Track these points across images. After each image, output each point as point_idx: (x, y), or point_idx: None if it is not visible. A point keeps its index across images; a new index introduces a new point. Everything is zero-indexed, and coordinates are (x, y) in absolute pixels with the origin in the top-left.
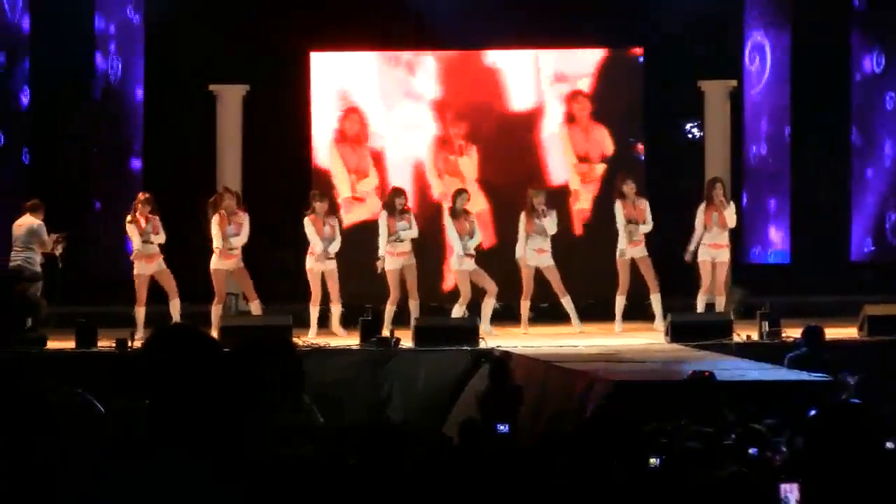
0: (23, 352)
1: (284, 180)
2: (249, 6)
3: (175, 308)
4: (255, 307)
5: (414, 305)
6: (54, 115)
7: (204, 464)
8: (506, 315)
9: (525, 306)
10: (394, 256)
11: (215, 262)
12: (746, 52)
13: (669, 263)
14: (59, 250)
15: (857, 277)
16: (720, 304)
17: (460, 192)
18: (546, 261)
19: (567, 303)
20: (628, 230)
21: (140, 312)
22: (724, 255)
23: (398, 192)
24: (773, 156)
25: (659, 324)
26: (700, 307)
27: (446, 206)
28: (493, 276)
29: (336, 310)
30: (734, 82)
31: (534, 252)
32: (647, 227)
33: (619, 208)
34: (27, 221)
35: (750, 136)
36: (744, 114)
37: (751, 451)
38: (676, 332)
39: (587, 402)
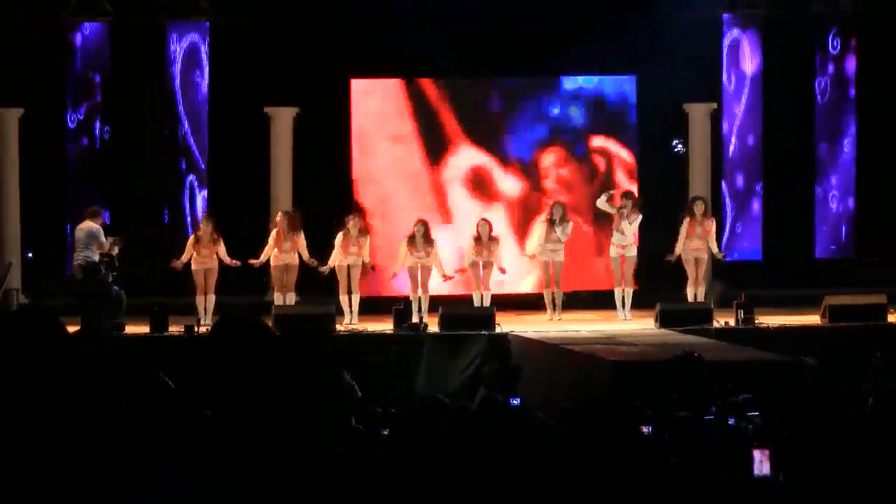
0: (110, 337)
1: (330, 196)
2: (301, 35)
3: (210, 302)
4: (290, 297)
5: (424, 297)
6: (133, 141)
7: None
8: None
9: (547, 295)
10: (411, 256)
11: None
12: (724, 77)
13: (660, 262)
14: (115, 251)
15: (820, 272)
16: (700, 293)
17: (481, 223)
18: (557, 256)
19: (557, 294)
20: (618, 236)
21: (200, 301)
22: (703, 255)
23: (419, 222)
24: (748, 168)
25: (627, 313)
26: (690, 297)
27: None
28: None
29: (355, 298)
30: (714, 104)
31: (547, 250)
32: (629, 237)
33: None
34: (87, 225)
35: (728, 150)
36: (723, 132)
37: (730, 421)
38: (665, 319)
39: (592, 380)
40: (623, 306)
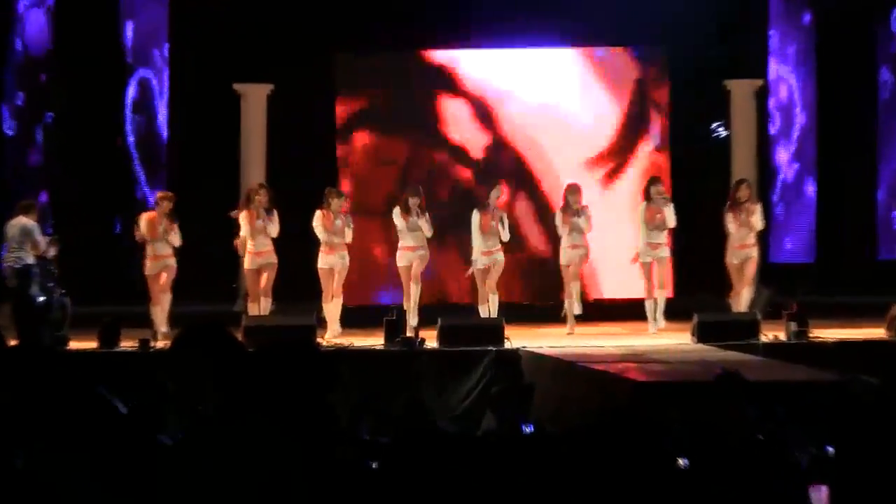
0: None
1: (307, 179)
2: (273, 7)
3: (166, 301)
4: (266, 305)
5: (415, 291)
6: (81, 128)
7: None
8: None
9: (569, 304)
10: (404, 251)
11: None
12: (771, 50)
13: (697, 264)
14: (52, 252)
15: (884, 277)
16: (745, 297)
17: (495, 186)
18: (578, 253)
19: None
20: (648, 233)
21: (155, 311)
22: (753, 253)
23: (414, 190)
24: (800, 156)
25: (660, 323)
26: (734, 307)
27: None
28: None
29: (337, 303)
30: (760, 81)
31: (568, 249)
32: (664, 231)
33: (643, 210)
34: (19, 221)
35: (776, 135)
36: (769, 113)
37: (777, 452)
38: (703, 333)
39: (607, 402)
40: (655, 318)
